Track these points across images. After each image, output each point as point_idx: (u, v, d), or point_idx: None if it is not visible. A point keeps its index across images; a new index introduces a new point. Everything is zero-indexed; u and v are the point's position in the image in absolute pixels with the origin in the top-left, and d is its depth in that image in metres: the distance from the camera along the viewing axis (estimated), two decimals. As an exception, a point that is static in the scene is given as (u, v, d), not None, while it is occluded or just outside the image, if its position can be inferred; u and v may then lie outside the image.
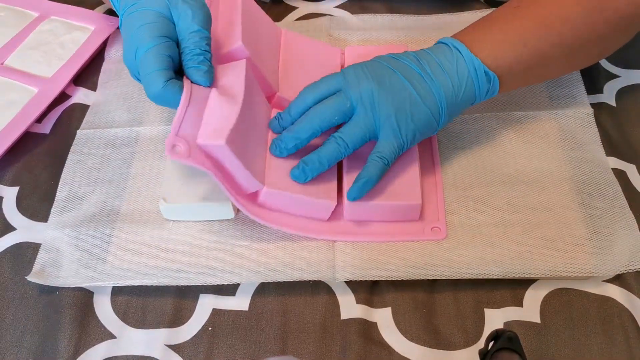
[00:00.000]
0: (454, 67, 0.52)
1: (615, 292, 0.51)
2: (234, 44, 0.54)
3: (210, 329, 0.51)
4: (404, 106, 0.51)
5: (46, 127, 0.66)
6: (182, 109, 0.49)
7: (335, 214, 0.55)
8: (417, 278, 0.51)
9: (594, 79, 0.65)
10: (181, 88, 0.50)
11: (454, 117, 0.54)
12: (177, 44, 0.51)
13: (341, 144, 0.52)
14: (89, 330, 0.51)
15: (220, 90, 0.51)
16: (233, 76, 0.52)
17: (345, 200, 0.53)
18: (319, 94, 0.53)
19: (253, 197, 0.53)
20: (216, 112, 0.50)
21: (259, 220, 0.52)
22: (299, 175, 0.53)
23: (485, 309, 0.51)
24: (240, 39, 0.54)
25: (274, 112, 0.56)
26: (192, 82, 0.51)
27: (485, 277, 0.51)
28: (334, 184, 0.54)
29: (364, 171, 0.51)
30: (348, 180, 0.54)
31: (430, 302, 0.52)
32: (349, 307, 0.52)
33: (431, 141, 0.60)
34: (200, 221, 0.56)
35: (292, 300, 0.52)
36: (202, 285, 0.52)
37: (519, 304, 0.51)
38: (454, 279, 0.52)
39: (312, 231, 0.54)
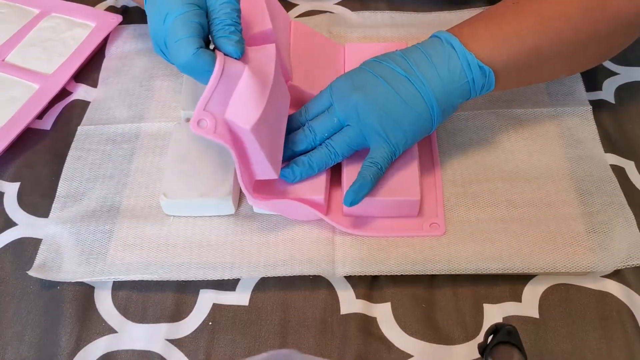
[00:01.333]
0: (444, 61, 0.52)
1: (614, 288, 0.52)
2: (265, 27, 0.54)
3: (210, 323, 0.51)
4: (391, 113, 0.52)
5: (47, 124, 0.66)
6: (213, 83, 0.48)
7: (335, 209, 0.55)
8: (416, 273, 0.52)
9: (592, 76, 0.66)
10: (212, 58, 0.48)
11: (450, 112, 0.54)
12: (207, 15, 0.50)
13: (332, 151, 0.53)
14: (90, 324, 0.52)
15: (252, 70, 0.49)
16: (263, 59, 0.52)
17: (344, 196, 0.53)
18: (313, 112, 0.56)
19: (260, 186, 0.53)
20: (246, 93, 0.48)
21: (260, 205, 0.52)
22: (288, 174, 0.54)
23: (485, 304, 0.51)
24: (270, 23, 0.54)
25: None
26: (223, 52, 0.49)
27: (484, 273, 0.51)
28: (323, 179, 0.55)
29: (358, 176, 0.52)
30: (347, 177, 0.54)
31: (430, 297, 0.52)
32: (349, 302, 0.52)
33: (430, 138, 0.60)
34: (200, 216, 0.56)
35: (292, 295, 0.53)
36: (203, 280, 0.53)
37: (518, 299, 0.51)
38: (453, 275, 0.52)
39: (312, 216, 0.54)
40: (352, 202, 0.51)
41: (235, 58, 0.49)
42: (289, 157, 0.55)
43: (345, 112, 0.53)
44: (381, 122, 0.52)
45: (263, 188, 0.54)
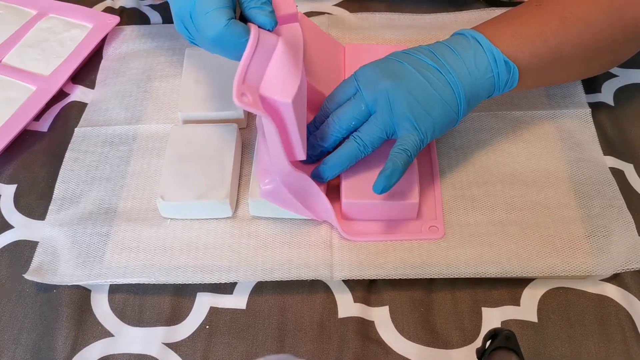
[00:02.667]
0: (471, 56, 0.52)
1: (613, 292, 0.52)
2: (290, 10, 0.53)
3: (207, 327, 0.51)
4: (420, 101, 0.51)
5: (44, 125, 0.66)
6: (249, 54, 0.46)
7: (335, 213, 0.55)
8: (414, 277, 0.51)
9: (592, 79, 0.65)
10: (244, 29, 0.46)
11: (472, 107, 0.54)
12: None
13: (360, 144, 0.52)
14: (86, 328, 0.51)
15: (285, 45, 0.48)
16: (291, 36, 0.51)
17: (342, 200, 0.53)
18: (340, 96, 0.54)
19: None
20: (282, 66, 0.47)
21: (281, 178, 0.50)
22: (318, 175, 0.53)
23: (483, 308, 0.51)
24: (295, 6, 0.53)
25: None
26: (255, 23, 0.47)
27: (483, 276, 0.51)
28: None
29: (388, 162, 0.50)
30: (345, 180, 0.54)
31: (428, 301, 0.52)
32: (347, 306, 0.52)
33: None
34: (198, 219, 0.56)
35: (289, 298, 0.52)
36: (200, 283, 0.52)
37: (517, 303, 0.51)
38: (452, 278, 0.52)
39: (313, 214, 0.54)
40: (384, 189, 0.50)
41: (268, 29, 0.48)
42: (319, 154, 0.54)
43: (374, 98, 0.51)
44: (411, 108, 0.50)
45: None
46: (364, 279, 0.52)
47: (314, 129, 0.55)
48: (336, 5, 0.75)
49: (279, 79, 0.47)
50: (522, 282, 0.52)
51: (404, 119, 0.51)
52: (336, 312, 0.51)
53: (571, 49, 0.54)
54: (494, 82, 0.53)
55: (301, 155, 0.51)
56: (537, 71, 0.54)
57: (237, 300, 0.52)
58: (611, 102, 0.64)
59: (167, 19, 0.75)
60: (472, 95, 0.52)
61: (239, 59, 0.47)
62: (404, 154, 0.50)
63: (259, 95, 0.47)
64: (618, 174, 0.58)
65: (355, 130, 0.53)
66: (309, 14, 0.74)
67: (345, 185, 0.53)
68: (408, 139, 0.51)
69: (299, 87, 0.48)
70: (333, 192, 0.55)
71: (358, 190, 0.53)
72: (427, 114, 0.51)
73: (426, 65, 0.52)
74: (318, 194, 0.52)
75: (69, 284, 0.53)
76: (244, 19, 0.50)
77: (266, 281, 0.53)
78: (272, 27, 0.48)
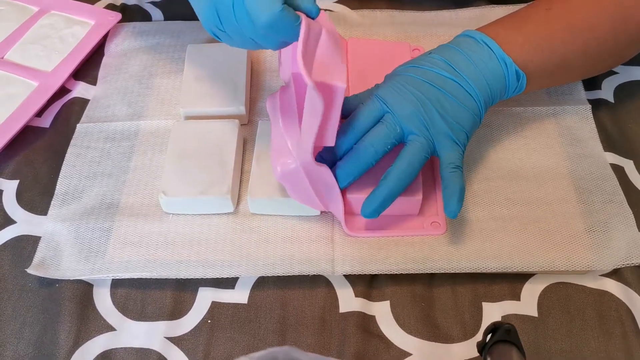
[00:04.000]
0: (486, 64, 0.53)
1: (613, 287, 0.52)
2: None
3: (209, 321, 0.51)
4: (452, 116, 0.51)
5: (46, 121, 0.66)
6: (304, 40, 0.45)
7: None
8: (416, 272, 0.52)
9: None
10: (296, 15, 0.45)
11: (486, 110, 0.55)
12: None
13: (408, 171, 0.50)
14: (89, 322, 0.52)
15: (328, 33, 0.48)
16: (328, 24, 0.50)
17: (347, 194, 0.53)
18: (362, 126, 0.52)
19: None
20: (330, 53, 0.47)
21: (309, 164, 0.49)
22: (373, 212, 0.51)
23: (483, 303, 0.51)
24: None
25: None
26: (301, 11, 0.46)
27: (483, 271, 0.51)
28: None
29: (451, 185, 0.50)
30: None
31: (429, 295, 0.52)
32: (348, 301, 0.52)
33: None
34: (199, 214, 0.56)
35: (291, 293, 0.53)
36: (202, 278, 0.53)
37: (517, 297, 0.52)
38: (452, 273, 0.52)
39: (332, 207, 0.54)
40: (456, 212, 0.50)
41: (313, 17, 0.47)
42: (351, 181, 0.52)
43: (409, 121, 0.51)
44: (450, 126, 0.51)
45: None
46: (365, 274, 0.52)
47: (331, 156, 0.53)
48: (337, 2, 0.75)
49: (330, 65, 0.47)
50: (522, 277, 0.53)
51: (444, 137, 0.51)
52: (337, 307, 0.52)
53: (577, 56, 0.56)
54: (505, 89, 0.54)
55: (331, 140, 0.50)
56: (543, 77, 0.56)
57: (239, 295, 0.53)
58: (611, 99, 0.64)
59: (169, 16, 0.76)
60: (488, 102, 0.53)
61: (278, 47, 0.47)
62: (458, 170, 0.51)
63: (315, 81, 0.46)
64: (618, 171, 0.58)
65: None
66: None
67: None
68: (454, 154, 0.51)
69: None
70: None
71: (362, 185, 0.53)
72: (461, 127, 0.52)
73: (446, 80, 0.52)
74: (334, 185, 0.52)
75: (71, 279, 0.53)
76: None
77: (268, 276, 0.53)
78: (317, 14, 0.47)
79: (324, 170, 0.51)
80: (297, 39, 0.45)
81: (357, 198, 0.53)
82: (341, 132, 0.53)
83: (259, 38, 0.47)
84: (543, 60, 0.54)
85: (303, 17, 0.46)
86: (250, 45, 0.49)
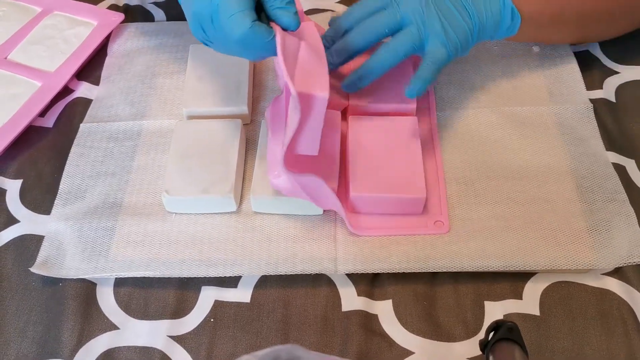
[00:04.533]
0: None
1: (614, 285, 0.52)
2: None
3: (212, 320, 0.52)
4: (450, 22, 0.55)
5: (49, 121, 0.66)
6: (281, 56, 0.46)
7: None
8: (418, 271, 0.52)
9: (593, 75, 0.66)
10: (268, 32, 0.47)
11: (477, 41, 0.58)
12: None
13: (392, 53, 0.55)
14: (92, 321, 0.52)
15: (308, 43, 0.49)
16: (309, 34, 0.51)
17: (350, 193, 0.53)
18: (366, 10, 0.57)
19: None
20: (309, 64, 0.48)
21: (293, 175, 0.50)
22: (351, 84, 0.57)
23: (485, 302, 0.52)
24: (301, 4, 0.53)
25: None
26: (280, 25, 0.48)
27: (486, 270, 0.52)
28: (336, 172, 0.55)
29: (419, 72, 0.54)
30: (352, 173, 0.54)
31: (431, 294, 0.52)
32: (350, 299, 0.52)
33: (432, 136, 0.60)
34: (202, 213, 0.56)
35: (293, 292, 0.53)
36: (204, 277, 0.53)
37: (519, 296, 0.52)
38: (455, 272, 0.52)
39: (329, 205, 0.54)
40: (413, 94, 0.54)
41: (292, 30, 0.48)
42: (344, 60, 0.57)
43: (409, 11, 0.55)
44: (444, 27, 0.54)
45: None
46: (367, 273, 0.53)
47: (330, 43, 0.58)
48: (339, 2, 0.75)
49: (311, 75, 0.48)
50: (524, 276, 0.53)
51: (435, 35, 0.55)
52: (340, 306, 0.52)
53: (571, 13, 0.59)
54: (499, 26, 0.57)
55: (314, 149, 0.51)
56: (535, 27, 0.59)
57: (242, 294, 0.53)
58: (612, 99, 0.64)
59: (171, 16, 0.76)
60: (481, 29, 0.56)
61: (258, 59, 0.49)
62: (434, 65, 0.54)
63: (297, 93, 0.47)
64: (620, 170, 0.58)
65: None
66: (313, 11, 0.74)
67: (353, 179, 0.54)
68: (438, 53, 0.55)
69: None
70: (340, 185, 0.56)
71: (366, 183, 0.53)
72: (454, 33, 0.55)
73: None
74: (327, 190, 0.52)
75: (74, 278, 0.53)
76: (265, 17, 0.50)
77: (270, 275, 0.53)
78: (296, 28, 0.49)
79: (310, 178, 0.50)
80: (273, 52, 0.47)
81: (360, 197, 0.53)
82: (347, 11, 0.58)
83: (231, 52, 0.49)
84: (538, 8, 0.58)
85: (278, 30, 0.47)
86: (236, 54, 0.50)
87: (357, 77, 0.57)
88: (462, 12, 0.55)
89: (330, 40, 0.58)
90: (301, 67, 0.48)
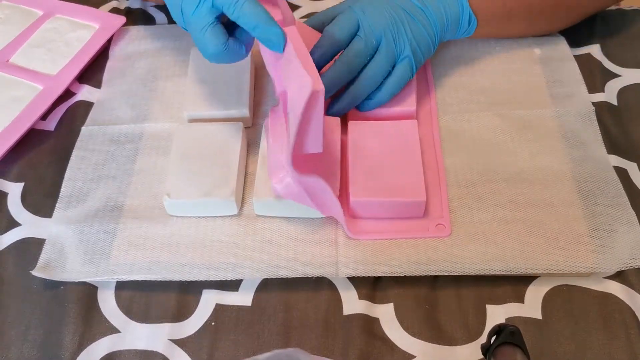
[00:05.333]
0: (446, 2, 0.59)
1: (616, 289, 0.52)
2: (275, 17, 0.53)
3: (213, 324, 0.52)
4: (415, 39, 0.58)
5: (51, 124, 0.66)
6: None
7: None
8: (420, 274, 0.52)
9: (595, 78, 0.66)
10: (240, 48, 0.51)
11: (436, 46, 0.61)
12: None
13: (372, 78, 0.58)
14: (93, 324, 0.52)
15: (292, 45, 0.50)
16: (292, 38, 0.51)
17: (350, 198, 0.53)
18: (339, 37, 0.58)
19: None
20: (299, 66, 0.49)
21: (299, 176, 0.50)
22: (339, 112, 0.59)
23: (487, 305, 0.51)
24: (280, 13, 0.53)
25: None
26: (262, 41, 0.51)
27: (487, 274, 0.51)
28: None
29: (385, 87, 0.58)
30: (352, 178, 0.54)
31: (433, 298, 0.52)
32: (352, 303, 0.52)
33: (434, 139, 0.60)
34: (203, 217, 0.56)
35: (294, 296, 0.53)
36: (206, 280, 0.53)
37: (521, 300, 0.52)
38: (456, 276, 0.52)
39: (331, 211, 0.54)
40: (378, 105, 0.59)
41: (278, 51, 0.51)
42: (333, 93, 0.59)
43: (384, 32, 0.57)
44: (412, 45, 0.58)
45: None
46: (368, 277, 0.52)
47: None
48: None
49: (301, 77, 0.48)
50: (526, 280, 0.53)
51: (406, 58, 0.58)
52: (341, 309, 0.52)
53: (521, 11, 0.63)
54: (457, 28, 0.61)
55: (319, 147, 0.51)
56: (490, 27, 0.63)
57: (243, 298, 0.53)
58: (614, 102, 0.64)
59: (173, 19, 0.76)
60: (442, 34, 0.60)
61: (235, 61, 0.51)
62: (401, 81, 0.59)
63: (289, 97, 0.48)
64: (622, 173, 0.58)
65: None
66: (312, 15, 0.74)
67: (353, 184, 0.54)
68: (406, 73, 0.58)
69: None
70: (341, 190, 0.56)
71: (366, 188, 0.53)
72: (421, 54, 0.59)
73: (414, 6, 0.59)
74: (329, 191, 0.52)
75: (75, 281, 0.53)
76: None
77: (271, 278, 0.53)
78: (281, 49, 0.51)
79: (314, 180, 0.50)
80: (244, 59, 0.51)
81: (360, 202, 0.53)
82: (319, 43, 0.58)
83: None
84: (494, 10, 0.62)
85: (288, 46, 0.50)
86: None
87: (345, 104, 0.59)
88: (427, 24, 0.59)
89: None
90: (292, 72, 0.49)
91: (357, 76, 0.58)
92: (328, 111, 0.59)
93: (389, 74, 0.59)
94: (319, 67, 0.58)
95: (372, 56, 0.58)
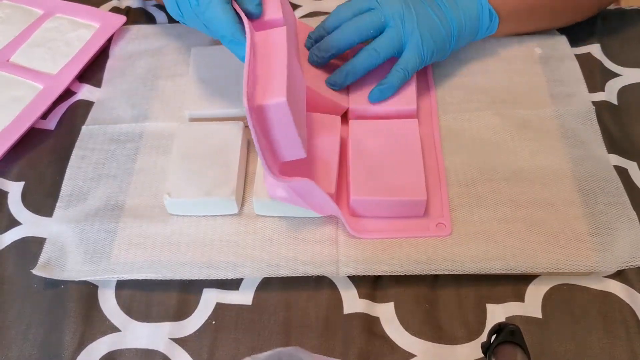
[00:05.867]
0: (465, 2, 0.60)
1: (617, 288, 0.52)
2: (275, 15, 0.54)
3: (213, 323, 0.52)
4: (427, 27, 0.58)
5: (51, 123, 0.66)
6: (248, 64, 0.48)
7: (342, 210, 0.55)
8: (420, 273, 0.52)
9: (595, 77, 0.66)
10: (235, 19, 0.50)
11: (460, 46, 0.62)
12: None
13: (373, 53, 0.58)
14: (94, 323, 0.52)
15: (263, 51, 0.50)
16: (273, 40, 0.51)
17: (351, 196, 0.53)
18: (352, 10, 0.60)
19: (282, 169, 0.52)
20: (263, 72, 0.49)
21: (286, 181, 0.50)
22: (335, 82, 0.59)
23: (488, 304, 0.51)
24: (281, 12, 0.53)
25: None
26: (243, 10, 0.51)
27: (487, 273, 0.51)
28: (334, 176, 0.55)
29: (386, 79, 0.58)
30: (353, 177, 0.54)
31: (433, 297, 0.52)
32: (352, 302, 0.52)
33: (434, 138, 0.60)
34: (204, 216, 0.56)
35: (295, 294, 0.53)
36: (206, 279, 0.53)
37: (521, 299, 0.52)
38: (457, 275, 0.52)
39: (325, 210, 0.54)
40: (377, 99, 0.59)
41: (254, 18, 0.51)
42: (327, 57, 0.60)
43: (392, 14, 0.58)
44: (421, 31, 0.58)
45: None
46: (369, 275, 0.53)
47: (315, 41, 0.61)
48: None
49: (266, 85, 0.48)
50: (526, 279, 0.53)
51: (412, 38, 0.58)
52: (341, 308, 0.52)
53: (543, 6, 0.63)
54: (479, 26, 0.61)
55: (301, 153, 0.51)
56: (513, 23, 0.63)
57: (243, 297, 0.53)
58: (615, 101, 0.64)
59: (173, 18, 0.76)
60: (460, 33, 0.60)
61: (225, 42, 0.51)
62: (402, 72, 0.58)
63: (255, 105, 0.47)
64: (622, 172, 0.58)
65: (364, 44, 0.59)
66: (314, 14, 0.74)
67: (354, 182, 0.54)
68: (410, 59, 0.58)
69: (289, 88, 0.48)
70: (341, 188, 0.56)
71: (366, 187, 0.53)
72: (431, 40, 0.58)
73: (432, 1, 0.59)
74: (323, 195, 0.52)
75: (76, 280, 0.53)
76: None
77: (272, 277, 0.53)
78: (258, 15, 0.52)
79: (302, 183, 0.50)
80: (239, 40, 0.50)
81: (361, 200, 0.53)
82: (333, 12, 0.60)
83: (203, 29, 0.53)
84: (515, 6, 0.62)
85: (249, 41, 0.49)
86: (204, 31, 0.54)
87: (342, 74, 0.59)
88: (442, 18, 0.59)
89: (314, 41, 0.61)
90: (258, 77, 0.49)
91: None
92: (326, 80, 0.60)
93: (395, 62, 0.59)
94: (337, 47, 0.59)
95: (380, 32, 0.59)
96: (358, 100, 0.60)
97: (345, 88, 0.61)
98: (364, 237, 0.54)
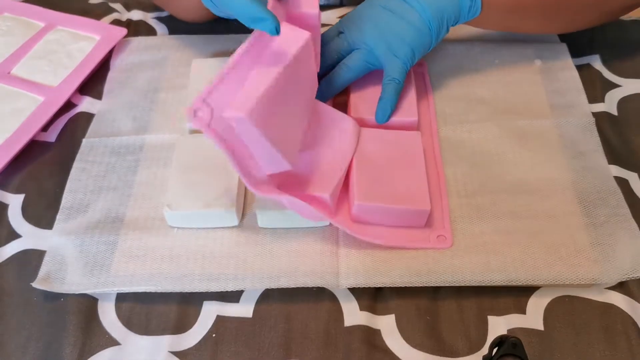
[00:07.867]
0: None
1: (618, 299, 0.52)
2: (310, 9, 0.53)
3: (214, 335, 0.51)
4: (394, 33, 0.58)
5: (52, 136, 0.66)
6: (220, 77, 0.46)
7: (343, 215, 0.55)
8: (421, 285, 0.52)
9: (595, 88, 0.66)
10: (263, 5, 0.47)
11: (444, 31, 0.60)
12: None
13: (344, 68, 0.60)
14: (93, 336, 0.52)
15: (264, 60, 0.48)
16: (287, 43, 0.49)
17: (355, 202, 0.53)
18: (324, 39, 0.62)
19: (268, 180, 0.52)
20: (251, 84, 0.47)
21: (272, 196, 0.50)
22: (319, 95, 0.60)
23: (489, 316, 0.51)
24: (318, 6, 0.54)
25: None
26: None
27: (489, 284, 0.51)
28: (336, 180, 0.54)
29: (382, 94, 0.59)
30: (357, 182, 0.54)
31: (434, 309, 0.52)
32: (353, 314, 0.52)
33: (434, 149, 0.60)
34: (204, 228, 0.56)
35: (295, 307, 0.53)
36: (206, 292, 0.53)
37: (522, 311, 0.51)
38: (457, 287, 0.52)
39: (316, 218, 0.54)
40: (382, 117, 0.59)
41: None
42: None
43: (355, 38, 0.60)
44: (387, 43, 0.59)
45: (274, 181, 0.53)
46: (369, 287, 0.52)
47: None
48: (341, 17, 0.75)
49: (241, 98, 0.46)
50: (527, 291, 0.52)
51: (384, 52, 0.59)
52: (342, 321, 0.52)
53: (533, 3, 0.61)
54: (459, 7, 0.58)
55: (284, 165, 0.51)
56: (499, 12, 0.60)
57: (244, 309, 0.53)
58: (614, 112, 0.64)
59: (174, 30, 0.76)
60: (440, 19, 0.58)
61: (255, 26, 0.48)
62: (392, 82, 0.59)
63: (222, 117, 0.46)
64: (622, 183, 0.58)
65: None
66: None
67: (359, 188, 0.54)
68: (393, 67, 0.59)
69: (271, 100, 0.47)
70: (344, 193, 0.56)
71: (371, 193, 0.53)
72: (402, 43, 0.58)
73: (397, 3, 0.59)
74: (301, 206, 0.52)
75: (76, 293, 0.53)
76: None
77: (272, 290, 0.53)
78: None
79: (286, 199, 0.50)
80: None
81: (365, 206, 0.53)
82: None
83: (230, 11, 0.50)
84: None
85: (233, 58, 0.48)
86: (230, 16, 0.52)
87: (320, 89, 0.60)
88: (409, 14, 0.58)
89: None
90: (245, 89, 0.47)
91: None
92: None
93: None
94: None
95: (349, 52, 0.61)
96: (359, 110, 0.60)
97: (347, 96, 0.62)
98: (362, 237, 0.53)
